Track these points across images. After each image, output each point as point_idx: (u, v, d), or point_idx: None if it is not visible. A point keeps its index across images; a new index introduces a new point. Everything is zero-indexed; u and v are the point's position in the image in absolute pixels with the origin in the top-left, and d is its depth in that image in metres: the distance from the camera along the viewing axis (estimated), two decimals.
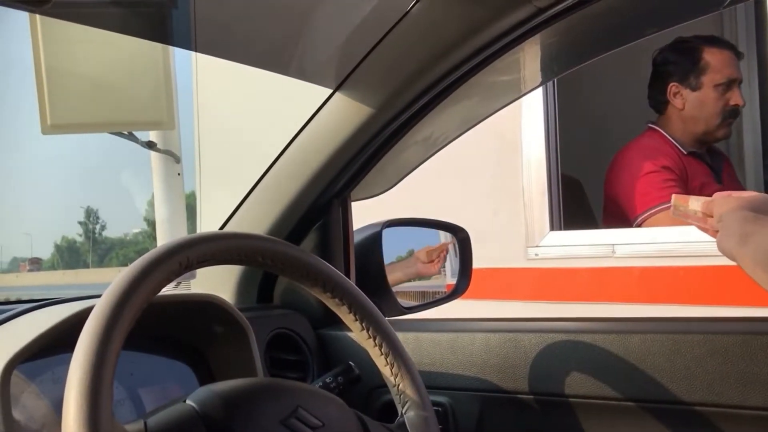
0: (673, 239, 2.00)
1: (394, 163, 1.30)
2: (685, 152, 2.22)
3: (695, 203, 0.90)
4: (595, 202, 2.58)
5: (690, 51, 2.23)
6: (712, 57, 2.21)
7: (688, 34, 2.26)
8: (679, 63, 2.24)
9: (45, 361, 0.83)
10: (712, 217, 0.86)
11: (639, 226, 2.12)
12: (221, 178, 3.17)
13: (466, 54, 1.05)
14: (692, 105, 2.21)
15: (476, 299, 1.62)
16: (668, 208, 1.96)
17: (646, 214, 2.10)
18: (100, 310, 0.62)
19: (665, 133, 2.25)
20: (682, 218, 0.92)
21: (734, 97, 2.20)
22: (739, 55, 2.27)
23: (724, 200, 0.83)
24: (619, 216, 2.23)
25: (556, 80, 2.24)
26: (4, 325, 0.85)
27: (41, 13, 2.56)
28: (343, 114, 1.16)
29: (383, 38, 1.05)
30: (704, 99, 2.20)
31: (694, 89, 2.21)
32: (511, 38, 1.02)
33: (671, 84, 2.23)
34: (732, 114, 2.22)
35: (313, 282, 0.82)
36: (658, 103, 2.30)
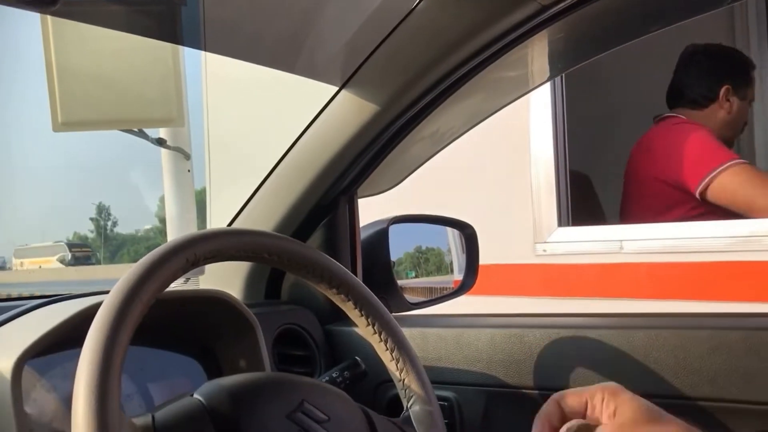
0: (681, 235, 2.00)
1: (400, 160, 1.30)
2: None
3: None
4: (603, 198, 2.58)
5: (744, 61, 2.31)
6: (752, 73, 2.31)
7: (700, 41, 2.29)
8: (735, 69, 2.27)
9: (55, 357, 0.84)
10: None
11: (705, 190, 2.04)
12: (231, 174, 3.18)
13: (471, 51, 1.05)
14: (737, 112, 2.25)
15: (483, 295, 1.62)
16: (730, 167, 2.01)
17: (712, 174, 2.02)
18: (107, 307, 0.63)
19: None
20: None
21: (747, 114, 2.32)
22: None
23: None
24: (648, 205, 2.19)
25: (563, 76, 2.24)
26: (16, 320, 0.87)
27: (49, 14, 2.58)
28: (349, 111, 1.16)
29: (389, 35, 1.05)
30: (743, 110, 2.27)
31: (741, 98, 2.24)
32: (516, 35, 1.03)
33: (725, 86, 2.22)
34: (743, 129, 2.34)
35: (319, 278, 0.83)
36: (701, 97, 2.24)
